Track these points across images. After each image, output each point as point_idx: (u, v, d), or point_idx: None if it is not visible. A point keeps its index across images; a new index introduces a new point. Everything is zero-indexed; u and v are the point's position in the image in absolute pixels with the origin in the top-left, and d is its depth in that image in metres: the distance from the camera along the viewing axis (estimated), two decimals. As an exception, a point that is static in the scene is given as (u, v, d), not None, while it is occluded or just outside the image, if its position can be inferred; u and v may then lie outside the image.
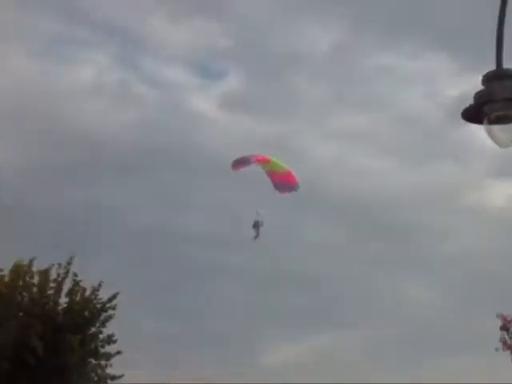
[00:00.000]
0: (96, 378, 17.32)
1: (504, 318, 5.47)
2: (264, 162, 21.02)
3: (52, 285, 17.25)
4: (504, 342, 5.48)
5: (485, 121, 5.54)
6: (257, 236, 23.45)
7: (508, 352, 5.59)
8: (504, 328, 5.50)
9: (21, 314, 16.79)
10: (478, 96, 5.34)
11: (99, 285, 17.44)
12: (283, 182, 21.38)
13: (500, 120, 5.57)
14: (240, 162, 21.07)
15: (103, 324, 17.47)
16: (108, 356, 17.43)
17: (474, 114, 5.56)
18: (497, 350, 5.44)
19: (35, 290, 17.14)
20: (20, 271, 17.09)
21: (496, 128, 5.59)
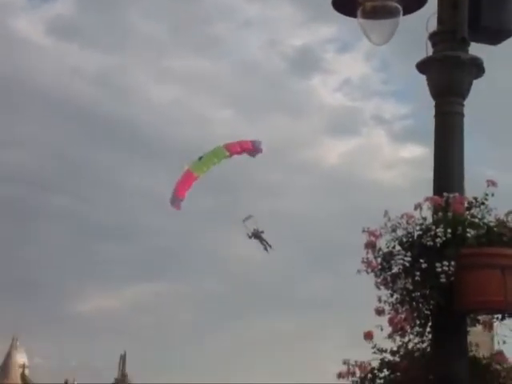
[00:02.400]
0: None
1: (372, 234, 4.38)
2: (193, 181, 17.20)
3: None
4: (369, 263, 4.32)
5: (359, 12, 4.91)
6: (267, 245, 19.39)
7: (372, 274, 4.34)
8: (370, 245, 4.37)
9: None
10: (353, -21, 4.76)
11: None
12: (246, 151, 17.54)
13: (377, 12, 4.90)
14: (176, 203, 17.56)
15: None
16: None
17: (346, 3, 4.97)
18: (359, 271, 4.33)
19: None
20: None
21: (370, 23, 4.91)
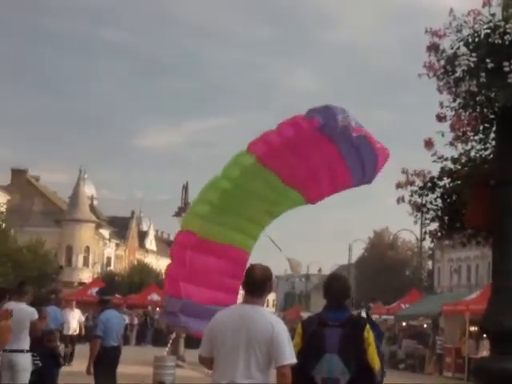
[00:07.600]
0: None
1: (435, 34, 4.17)
2: None
3: None
4: (431, 66, 4.07)
5: None
6: None
7: (434, 79, 4.10)
8: (433, 47, 4.11)
9: None
10: None
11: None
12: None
13: None
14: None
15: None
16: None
17: None
18: (420, 75, 4.08)
19: None
20: None
21: None
